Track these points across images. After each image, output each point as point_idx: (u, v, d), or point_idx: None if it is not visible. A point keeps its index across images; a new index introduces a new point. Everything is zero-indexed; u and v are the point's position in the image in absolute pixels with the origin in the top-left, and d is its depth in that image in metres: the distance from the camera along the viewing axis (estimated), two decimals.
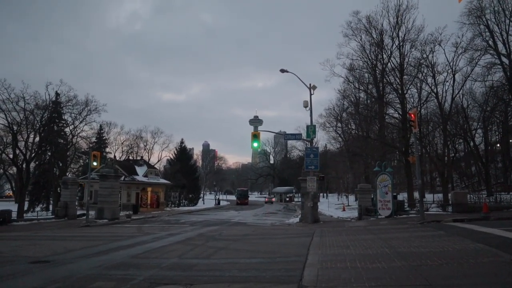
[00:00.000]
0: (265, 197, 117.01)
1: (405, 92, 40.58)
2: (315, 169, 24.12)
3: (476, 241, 11.37)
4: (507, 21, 37.44)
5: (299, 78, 27.07)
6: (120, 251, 12.94)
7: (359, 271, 8.23)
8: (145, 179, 50.37)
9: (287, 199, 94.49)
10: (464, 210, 21.49)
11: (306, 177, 24.30)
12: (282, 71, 27.56)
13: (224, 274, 8.61)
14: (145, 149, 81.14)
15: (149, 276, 8.57)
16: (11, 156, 49.01)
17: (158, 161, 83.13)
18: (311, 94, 26.65)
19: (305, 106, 26.36)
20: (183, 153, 74.10)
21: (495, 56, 38.49)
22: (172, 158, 75.14)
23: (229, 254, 11.97)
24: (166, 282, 7.91)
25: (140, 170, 51.91)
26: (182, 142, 75.36)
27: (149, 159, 76.71)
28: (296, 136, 30.03)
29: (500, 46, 37.96)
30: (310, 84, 26.83)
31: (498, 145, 54.64)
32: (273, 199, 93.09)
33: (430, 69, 40.03)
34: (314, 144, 28.51)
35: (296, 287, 7.10)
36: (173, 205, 61.28)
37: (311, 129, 25.40)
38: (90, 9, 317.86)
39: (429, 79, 40.61)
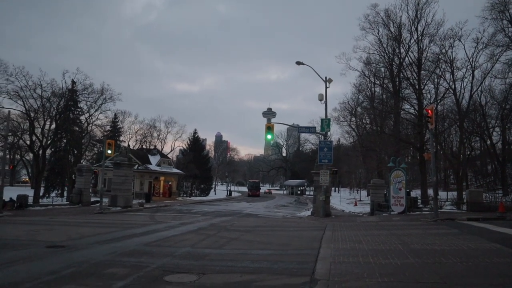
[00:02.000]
0: (272, 189, 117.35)
1: (422, 87, 39.97)
2: (329, 163, 23.99)
3: (491, 241, 11.21)
4: None
5: (314, 71, 26.89)
6: (133, 238, 13.10)
7: (372, 266, 8.19)
8: (158, 168, 50.84)
9: (299, 192, 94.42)
10: (479, 209, 21.19)
11: (319, 171, 24.19)
12: (298, 63, 27.37)
13: (236, 265, 8.65)
14: (158, 139, 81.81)
15: (162, 264, 8.65)
16: (28, 142, 49.92)
17: (171, 150, 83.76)
18: (326, 87, 26.43)
19: (320, 99, 26.16)
20: (196, 143, 74.41)
21: None
22: (185, 148, 75.55)
23: (241, 245, 12.01)
24: (179, 270, 7.98)
25: (153, 159, 52.40)
26: (195, 133, 75.70)
27: (162, 149, 77.37)
28: (310, 129, 29.86)
29: None
30: (325, 77, 26.61)
31: None
32: (272, 191, 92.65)
33: (449, 64, 39.31)
34: (328, 138, 28.32)
35: (309, 280, 7.09)
36: (185, 195, 61.76)
37: (325, 123, 25.22)
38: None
39: (447, 75, 39.90)
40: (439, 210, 22.67)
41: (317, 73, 26.83)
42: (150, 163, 50.44)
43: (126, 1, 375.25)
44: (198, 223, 19.34)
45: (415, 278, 7.09)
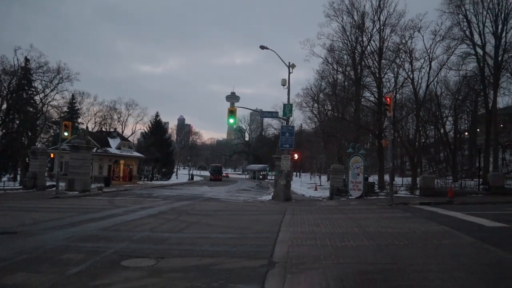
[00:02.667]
0: (233, 173, 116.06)
1: (382, 76, 41.09)
2: (290, 148, 24.32)
3: (440, 224, 11.82)
4: (484, 12, 38.06)
5: (278, 56, 26.95)
6: (91, 223, 12.79)
7: (329, 248, 8.43)
8: (118, 152, 49.60)
9: (261, 176, 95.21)
10: (431, 194, 22.27)
11: (280, 155, 24.49)
12: (262, 47, 27.32)
13: (195, 248, 8.65)
14: (119, 121, 79.71)
15: (119, 248, 8.52)
16: None
17: (132, 133, 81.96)
18: (289, 73, 26.61)
19: (283, 85, 26.31)
20: (157, 126, 73.07)
21: (471, 46, 39.23)
22: (147, 131, 74.07)
23: (201, 229, 12.02)
24: (137, 255, 7.89)
25: (113, 142, 51.03)
26: (157, 116, 74.25)
27: (122, 132, 75.46)
28: (273, 114, 30.05)
29: (476, 37, 38.67)
30: (289, 63, 26.76)
31: (467, 133, 56.51)
32: (229, 175, 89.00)
33: (408, 55, 40.60)
34: (290, 123, 28.63)
35: (267, 262, 7.21)
36: (146, 179, 60.78)
37: (287, 108, 25.45)
38: None
39: (406, 65, 41.22)
40: (394, 195, 23.57)
41: (281, 58, 26.94)
42: (110, 146, 49.09)
43: None
44: (159, 207, 19.15)
45: (369, 260, 7.38)
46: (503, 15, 37.29)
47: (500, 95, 42.15)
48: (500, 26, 37.35)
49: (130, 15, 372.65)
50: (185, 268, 7.00)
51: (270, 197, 27.80)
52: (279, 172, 25.15)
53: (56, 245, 8.91)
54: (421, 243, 9.21)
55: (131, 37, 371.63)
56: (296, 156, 28.57)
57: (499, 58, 37.72)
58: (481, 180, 32.68)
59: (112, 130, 65.88)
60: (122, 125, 79.84)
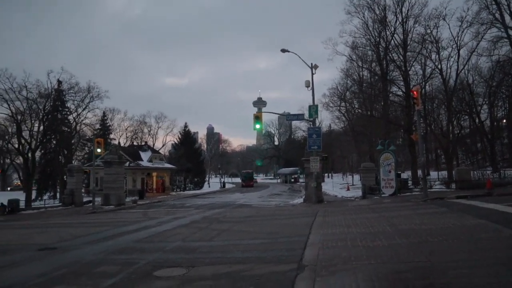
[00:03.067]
0: (265, 178, 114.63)
1: (408, 69, 40.17)
2: (318, 149, 24.11)
3: (477, 217, 11.41)
4: None
5: (300, 58, 26.86)
6: (125, 236, 13.12)
7: (360, 249, 8.30)
8: (149, 164, 50.69)
9: (292, 180, 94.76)
10: (467, 186, 21.51)
11: (309, 158, 24.32)
12: (283, 51, 27.32)
13: (226, 256, 8.73)
14: (149, 134, 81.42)
15: (152, 259, 8.70)
16: (16, 146, 49.43)
17: (163, 145, 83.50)
18: (312, 74, 26.46)
19: (307, 86, 26.19)
20: (187, 137, 74.21)
21: (502, 30, 37.61)
22: (176, 142, 75.36)
23: (232, 236, 12.09)
24: (169, 265, 8.03)
25: (145, 156, 52.20)
26: (185, 126, 75.43)
27: (153, 144, 77.06)
28: (298, 117, 29.93)
29: (508, 19, 36.94)
30: (311, 64, 26.62)
31: (504, 120, 54.18)
32: (258, 180, 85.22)
33: (435, 44, 39.51)
34: (316, 124, 28.43)
35: (297, 266, 7.18)
36: (178, 189, 61.74)
37: (313, 109, 25.27)
38: None
39: (433, 55, 40.15)
40: (429, 190, 22.96)
41: (303, 60, 26.82)
42: (142, 160, 50.24)
43: None
44: (191, 217, 19.41)
45: (401, 259, 7.22)
46: None
47: None
48: None
49: (151, 30, 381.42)
50: (215, 275, 7.06)
51: (301, 200, 27.62)
52: (308, 174, 24.96)
53: (92, 258, 9.21)
54: (456, 238, 8.92)
55: (155, 51, 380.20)
56: (325, 156, 28.29)
57: None
58: None
59: (143, 143, 67.44)
60: (152, 138, 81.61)
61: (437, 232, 9.84)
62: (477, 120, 48.24)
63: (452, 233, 9.60)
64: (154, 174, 52.54)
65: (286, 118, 36.55)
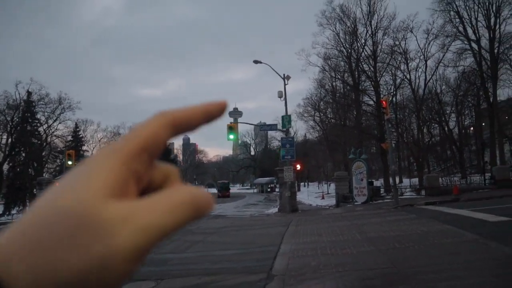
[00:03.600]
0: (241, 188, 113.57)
1: (379, 79, 41.19)
2: (292, 159, 24.35)
3: (443, 223, 11.75)
4: (476, 7, 38.25)
5: (272, 69, 27.19)
6: None
7: (329, 257, 8.43)
8: None
9: (269, 189, 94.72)
10: (436, 193, 22.10)
11: (283, 167, 24.51)
12: (256, 62, 27.62)
13: (196, 267, 8.69)
14: None
15: None
16: None
17: None
18: (285, 84, 26.85)
19: (280, 97, 26.51)
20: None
21: (465, 42, 39.34)
22: None
23: (205, 247, 12.03)
24: (137, 278, 7.91)
25: None
26: None
27: None
28: (272, 127, 30.14)
29: (470, 32, 38.81)
30: (284, 75, 26.99)
31: (472, 128, 56.15)
32: (228, 193, 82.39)
33: (403, 56, 40.78)
34: (291, 134, 28.73)
35: (266, 276, 7.23)
36: None
37: (286, 119, 25.56)
38: (60, 4, 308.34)
39: (403, 66, 41.39)
40: (400, 197, 23.50)
41: (275, 71, 27.16)
42: None
43: (83, 7, 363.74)
44: None
45: (368, 266, 7.38)
46: (494, 8, 37.48)
47: (500, 87, 42.11)
48: (492, 19, 37.53)
49: (125, 40, 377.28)
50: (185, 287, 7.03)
51: (276, 209, 27.72)
52: (282, 183, 25.14)
53: None
54: (422, 244, 9.18)
55: (128, 62, 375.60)
56: (298, 166, 28.54)
57: (495, 51, 37.75)
58: (488, 175, 32.40)
59: None
60: None
61: (405, 238, 10.10)
62: (446, 128, 49.84)
63: (418, 239, 9.87)
64: None
65: (260, 129, 36.79)
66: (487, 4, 37.65)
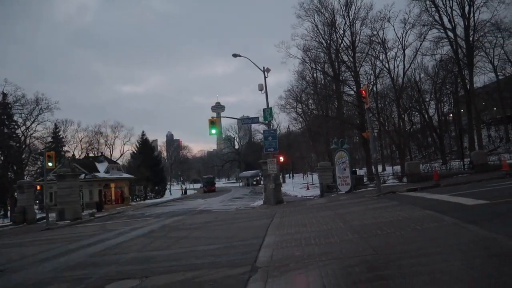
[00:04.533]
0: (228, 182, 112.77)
1: (358, 69, 41.56)
2: (275, 151, 24.43)
3: (425, 208, 11.96)
4: None
5: (252, 62, 27.13)
6: (79, 251, 12.70)
7: (313, 247, 8.49)
8: (107, 175, 49.24)
9: (254, 182, 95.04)
10: (417, 179, 22.50)
11: (266, 160, 24.58)
12: (235, 55, 27.49)
13: (180, 264, 8.66)
14: (106, 145, 79.17)
15: (105, 273, 8.49)
16: None
17: (121, 155, 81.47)
18: (265, 77, 26.85)
19: (260, 90, 26.48)
20: (145, 145, 72.73)
21: (442, 31, 39.89)
22: (135, 151, 73.68)
23: (189, 243, 11.99)
24: (122, 277, 7.87)
25: (101, 167, 50.65)
26: (143, 135, 73.90)
27: (111, 155, 75.02)
28: (254, 120, 30.13)
29: (446, 20, 39.37)
30: (263, 67, 26.97)
31: (451, 115, 57.23)
32: (213, 188, 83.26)
33: (381, 45, 41.18)
34: (274, 126, 28.77)
35: (250, 268, 7.25)
36: (139, 199, 60.40)
37: (267, 112, 25.60)
38: (36, 3, 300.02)
39: (381, 56, 41.80)
40: (383, 184, 23.86)
41: (255, 64, 27.12)
42: (98, 171, 48.68)
43: (59, 4, 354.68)
44: (150, 226, 19.06)
45: (351, 254, 7.45)
46: None
47: (476, 74, 43.00)
48: (467, 8, 38.13)
49: (104, 37, 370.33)
50: (169, 284, 7.00)
51: (262, 202, 27.82)
52: (266, 176, 25.22)
53: (41, 278, 8.84)
54: (404, 230, 9.33)
55: (108, 60, 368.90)
56: (282, 158, 28.66)
57: (470, 39, 38.42)
58: (467, 160, 33.11)
59: (99, 154, 65.42)
60: (110, 148, 79.41)
61: (387, 225, 10.25)
62: (426, 116, 50.72)
63: (400, 225, 10.03)
64: (112, 185, 51.06)
65: (242, 122, 36.76)
66: None
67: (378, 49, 41.47)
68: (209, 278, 7.09)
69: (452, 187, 17.71)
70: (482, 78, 53.37)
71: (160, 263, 9.06)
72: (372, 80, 43.17)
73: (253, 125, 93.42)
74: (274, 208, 21.15)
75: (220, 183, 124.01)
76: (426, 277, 5.49)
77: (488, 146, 46.33)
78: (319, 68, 49.78)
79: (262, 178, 29.44)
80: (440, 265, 5.99)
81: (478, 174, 21.61)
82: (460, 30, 39.25)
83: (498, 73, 49.11)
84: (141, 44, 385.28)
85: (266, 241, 10.03)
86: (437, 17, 39.28)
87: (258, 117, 28.89)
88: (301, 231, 11.09)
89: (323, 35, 44.01)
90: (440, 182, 19.48)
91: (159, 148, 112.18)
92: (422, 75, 49.90)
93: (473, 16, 37.93)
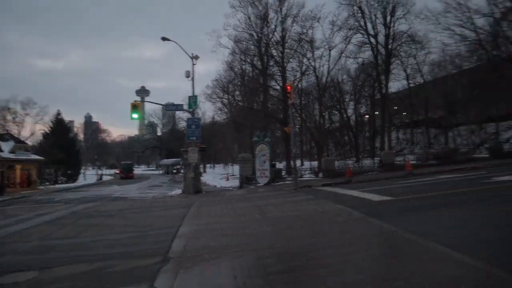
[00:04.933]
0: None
1: (286, 65, 42.48)
2: (197, 140, 24.13)
3: (336, 203, 12.59)
4: (376, 4, 41.26)
5: (180, 47, 26.38)
6: None
7: (229, 238, 8.49)
8: (11, 156, 44.93)
9: (174, 171, 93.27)
10: (332, 175, 23.69)
11: (188, 148, 24.19)
12: (164, 39, 26.53)
13: (88, 253, 8.13)
14: (14, 122, 72.01)
15: None
16: None
17: (31, 135, 74.64)
18: (193, 64, 26.28)
19: (187, 76, 25.87)
20: (59, 125, 67.57)
21: (365, 36, 42.29)
22: (47, 131, 68.17)
23: (100, 231, 11.35)
24: (18, 268, 7.17)
25: (6, 146, 46.03)
26: (58, 114, 68.47)
27: (19, 134, 68.41)
28: (178, 107, 29.38)
29: (370, 27, 41.83)
30: (192, 54, 26.38)
31: (367, 116, 61.09)
32: (132, 174, 78.15)
33: (310, 44, 42.47)
34: (199, 115, 28.36)
35: (162, 259, 7.03)
36: (48, 183, 56.12)
37: (192, 100, 25.15)
38: None
39: (309, 54, 43.13)
40: (300, 178, 24.75)
41: (184, 50, 26.41)
42: (1, 151, 44.27)
43: None
44: (58, 213, 17.72)
45: (265, 245, 7.56)
46: (390, 7, 40.83)
47: (391, 80, 46.24)
48: (388, 17, 40.86)
49: (18, 2, 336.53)
50: (72, 276, 6.52)
51: (180, 191, 27.37)
52: (187, 165, 24.84)
53: None
54: (316, 223, 9.73)
55: (25, 28, 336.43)
56: (204, 147, 28.46)
57: (389, 47, 41.31)
58: (378, 159, 35.65)
59: (4, 132, 59.47)
60: (18, 127, 72.36)
61: (301, 218, 10.62)
62: (344, 115, 53.57)
63: (313, 218, 10.45)
64: (18, 166, 46.77)
65: (166, 109, 35.78)
66: (385, 3, 40.86)
67: (306, 47, 42.69)
68: (118, 269, 6.75)
69: (363, 183, 18.90)
70: (396, 84, 57.69)
71: (64, 252, 8.43)
72: (298, 77, 44.42)
73: (177, 113, 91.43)
74: (192, 198, 20.89)
75: (139, 170, 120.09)
76: (332, 267, 5.76)
77: (396, 147, 50.31)
78: (248, 60, 49.92)
79: (183, 167, 28.88)
80: (346, 257, 6.32)
81: (386, 173, 23.35)
82: (381, 38, 41.94)
83: (410, 81, 53.36)
84: (64, 16, 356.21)
85: (181, 231, 9.84)
86: (362, 23, 41.53)
87: (182, 105, 28.19)
88: (218, 221, 11.05)
89: (255, 28, 44.18)
90: (352, 179, 20.69)
91: (75, 130, 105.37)
92: (344, 76, 52.57)
93: (393, 26, 40.81)
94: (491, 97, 39.17)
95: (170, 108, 31.87)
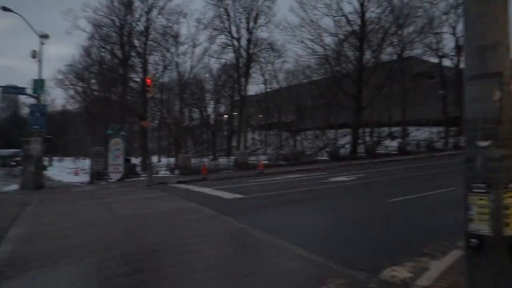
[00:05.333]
0: None
1: (148, 57, 41.16)
2: (41, 129, 21.59)
3: (190, 200, 12.65)
4: (241, 9, 43.18)
5: (26, 22, 23.11)
6: None
7: (68, 240, 7.76)
8: None
9: (13, 163, 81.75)
10: (188, 172, 23.76)
11: (30, 138, 21.46)
12: (5, 9, 22.78)
13: None
14: None
15: None
16: None
17: None
18: (41, 43, 23.32)
19: (33, 57, 22.82)
20: None
21: (229, 38, 43.78)
22: None
23: None
24: None
25: None
26: None
27: None
28: (19, 90, 25.65)
29: (234, 30, 43.39)
30: (41, 32, 23.40)
31: (226, 116, 63.11)
32: None
33: (174, 39, 41.94)
34: (45, 102, 25.32)
35: None
36: None
37: (38, 84, 22.30)
38: None
39: (173, 49, 42.56)
40: (156, 175, 24.24)
41: (31, 26, 23.22)
42: None
43: None
44: None
45: (110, 247, 7.11)
46: (254, 14, 43.09)
47: (251, 84, 48.82)
48: (252, 23, 43.03)
49: None
50: None
51: (18, 186, 24.04)
52: (27, 156, 21.96)
53: None
54: (168, 221, 9.62)
55: None
56: (49, 137, 25.66)
57: (251, 51, 43.49)
58: (234, 157, 37.13)
59: None
60: None
61: (153, 216, 10.35)
62: (204, 113, 54.41)
63: (166, 216, 10.30)
64: None
65: (4, 91, 31.12)
66: (249, 9, 42.89)
67: (170, 41, 42.07)
68: None
69: (217, 181, 19.40)
70: (255, 87, 61.10)
71: None
72: (160, 71, 43.40)
73: (21, 97, 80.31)
74: (32, 194, 18.55)
75: None
76: (183, 266, 5.72)
77: (251, 147, 53.19)
78: (108, 48, 46.62)
79: (24, 159, 25.13)
80: (197, 254, 6.36)
81: (240, 171, 24.44)
82: (244, 42, 43.87)
83: (267, 86, 56.97)
84: None
85: (11, 234, 8.58)
86: (227, 25, 42.89)
87: (25, 88, 24.68)
88: (58, 221, 10.03)
89: (118, 14, 41.56)
90: (207, 176, 21.05)
91: None
92: (207, 75, 53.31)
93: (255, 32, 43.16)
94: (333, 107, 44.55)
95: (10, 91, 27.74)
